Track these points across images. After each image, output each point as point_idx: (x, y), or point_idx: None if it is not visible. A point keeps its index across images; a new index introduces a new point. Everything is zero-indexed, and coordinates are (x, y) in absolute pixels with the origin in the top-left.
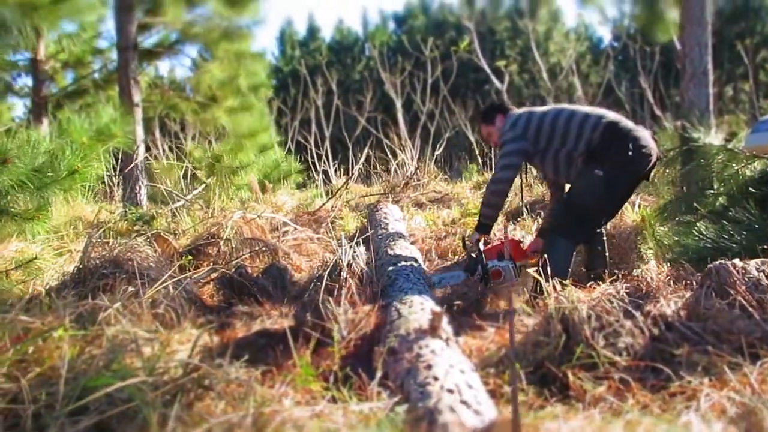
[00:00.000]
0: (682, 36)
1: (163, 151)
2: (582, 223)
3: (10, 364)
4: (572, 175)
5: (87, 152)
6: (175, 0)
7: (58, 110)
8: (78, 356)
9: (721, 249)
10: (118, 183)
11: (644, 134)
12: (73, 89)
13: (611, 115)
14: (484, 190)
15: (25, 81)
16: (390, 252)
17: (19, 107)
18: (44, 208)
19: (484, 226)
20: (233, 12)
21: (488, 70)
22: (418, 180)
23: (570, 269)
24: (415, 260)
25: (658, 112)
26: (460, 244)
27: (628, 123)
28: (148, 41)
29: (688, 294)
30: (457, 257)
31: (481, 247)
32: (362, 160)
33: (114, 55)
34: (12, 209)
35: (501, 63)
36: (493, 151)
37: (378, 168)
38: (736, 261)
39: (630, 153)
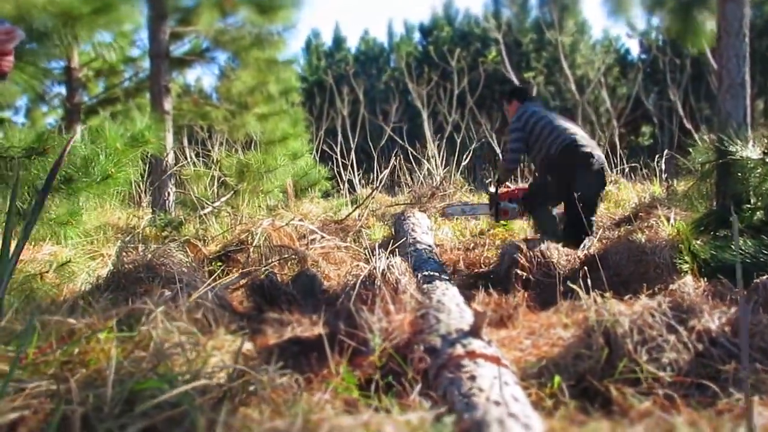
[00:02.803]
0: (719, 47)
1: (191, 158)
2: (543, 201)
3: (57, 365)
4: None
5: (120, 157)
6: (208, 9)
7: (89, 118)
8: (124, 358)
9: (761, 264)
10: (146, 189)
11: (590, 150)
12: (104, 97)
13: (572, 135)
14: (501, 162)
15: (59, 89)
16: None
17: (51, 114)
18: (77, 213)
19: (501, 182)
20: (265, 19)
21: (516, 82)
22: (445, 190)
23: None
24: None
25: (688, 125)
26: (490, 189)
27: (580, 142)
28: (179, 50)
29: (731, 309)
30: (487, 268)
31: (499, 191)
32: (388, 170)
33: (145, 63)
34: (46, 213)
35: (529, 75)
36: None
37: (404, 178)
38: None
39: (568, 165)
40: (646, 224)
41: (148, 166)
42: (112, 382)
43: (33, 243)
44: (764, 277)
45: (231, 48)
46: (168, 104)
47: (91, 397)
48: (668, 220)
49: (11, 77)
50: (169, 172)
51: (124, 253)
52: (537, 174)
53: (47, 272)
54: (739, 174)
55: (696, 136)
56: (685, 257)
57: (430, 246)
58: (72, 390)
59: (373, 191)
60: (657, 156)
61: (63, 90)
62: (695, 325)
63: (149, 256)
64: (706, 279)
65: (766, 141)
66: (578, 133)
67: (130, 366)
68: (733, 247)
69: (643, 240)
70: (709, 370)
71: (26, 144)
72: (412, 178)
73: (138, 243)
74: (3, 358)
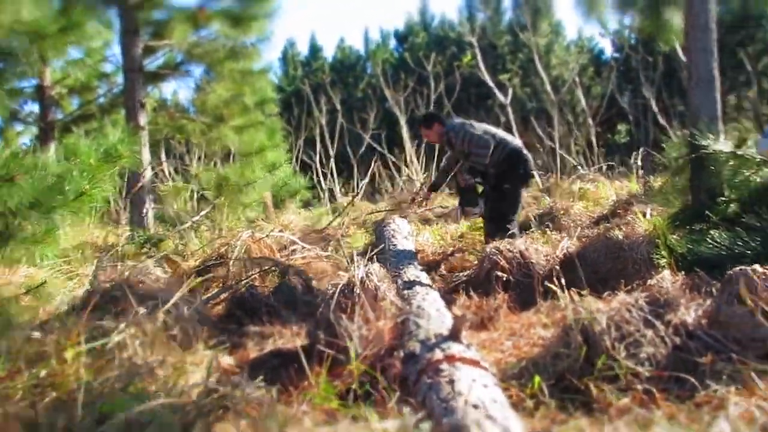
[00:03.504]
0: (687, 42)
1: (170, 173)
2: (508, 213)
3: (25, 389)
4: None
5: (95, 174)
6: (180, 22)
7: (64, 135)
8: (94, 379)
9: (736, 256)
10: (125, 206)
11: (528, 156)
12: (78, 114)
13: (511, 142)
14: (471, 160)
15: (32, 107)
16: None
17: (26, 134)
18: (52, 232)
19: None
20: (239, 31)
21: (491, 84)
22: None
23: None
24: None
25: (662, 121)
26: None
27: (520, 147)
28: (153, 64)
29: (707, 302)
30: (468, 271)
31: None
32: (368, 177)
33: (119, 79)
34: (20, 233)
35: (504, 77)
36: None
37: (384, 184)
38: (757, 267)
39: (521, 172)
40: (623, 221)
41: (126, 182)
42: (82, 404)
43: (8, 266)
44: (737, 269)
45: (205, 60)
46: (143, 119)
47: (61, 420)
48: (645, 215)
49: None
50: (140, 185)
51: (101, 272)
52: (491, 194)
53: (23, 294)
54: (713, 167)
55: (670, 132)
56: (662, 252)
57: (410, 251)
58: (39, 414)
59: (353, 199)
60: (633, 153)
61: (36, 108)
62: (672, 318)
63: (126, 273)
64: (683, 273)
65: (737, 134)
66: (515, 139)
67: (101, 386)
68: (708, 240)
69: (621, 237)
70: (687, 364)
71: None
72: (392, 185)
73: (116, 261)
74: None
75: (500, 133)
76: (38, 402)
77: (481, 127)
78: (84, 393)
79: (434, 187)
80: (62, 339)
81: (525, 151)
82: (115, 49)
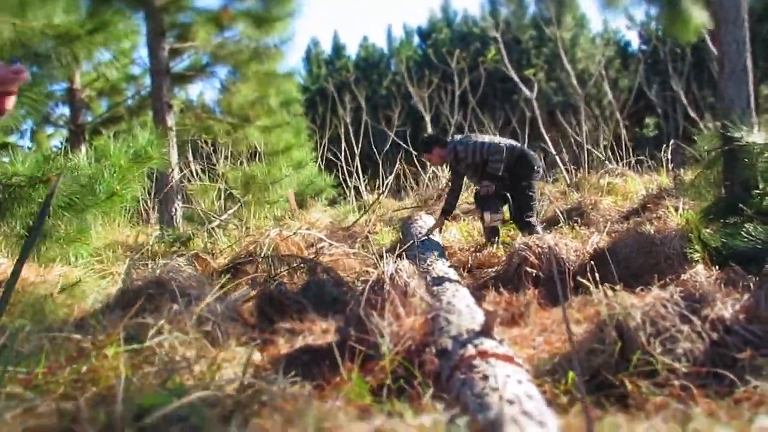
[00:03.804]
0: (718, 35)
1: (196, 173)
2: (525, 211)
3: (66, 384)
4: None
5: (125, 174)
6: (203, 24)
7: (94, 137)
8: (133, 374)
9: None
10: (154, 206)
11: (535, 155)
12: (108, 116)
13: (518, 145)
14: (489, 166)
15: (62, 110)
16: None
17: (57, 136)
18: (86, 231)
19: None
20: (261, 32)
21: (516, 79)
22: None
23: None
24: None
25: (692, 113)
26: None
27: (527, 149)
28: (179, 66)
29: (744, 297)
30: (497, 267)
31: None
32: (393, 174)
33: (147, 81)
34: (55, 233)
35: (529, 71)
36: None
37: (409, 182)
38: None
39: (535, 169)
40: (654, 215)
41: (154, 182)
42: (122, 399)
43: (44, 265)
44: None
45: (230, 62)
46: (171, 120)
47: (102, 415)
48: (677, 210)
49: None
50: (169, 186)
51: (133, 271)
52: (515, 194)
53: (58, 293)
54: (746, 160)
55: (701, 125)
56: (696, 246)
57: (438, 247)
58: (81, 409)
59: (378, 197)
60: (663, 146)
61: (67, 111)
62: (709, 313)
63: (158, 272)
64: (717, 267)
65: None
66: (518, 143)
67: (140, 381)
68: (743, 233)
69: (652, 231)
70: (725, 359)
71: (30, 172)
72: (417, 182)
73: (147, 260)
74: (14, 380)
75: (504, 139)
76: (79, 396)
77: (484, 136)
78: (123, 388)
79: (447, 212)
80: (101, 336)
81: (531, 151)
82: (142, 52)
